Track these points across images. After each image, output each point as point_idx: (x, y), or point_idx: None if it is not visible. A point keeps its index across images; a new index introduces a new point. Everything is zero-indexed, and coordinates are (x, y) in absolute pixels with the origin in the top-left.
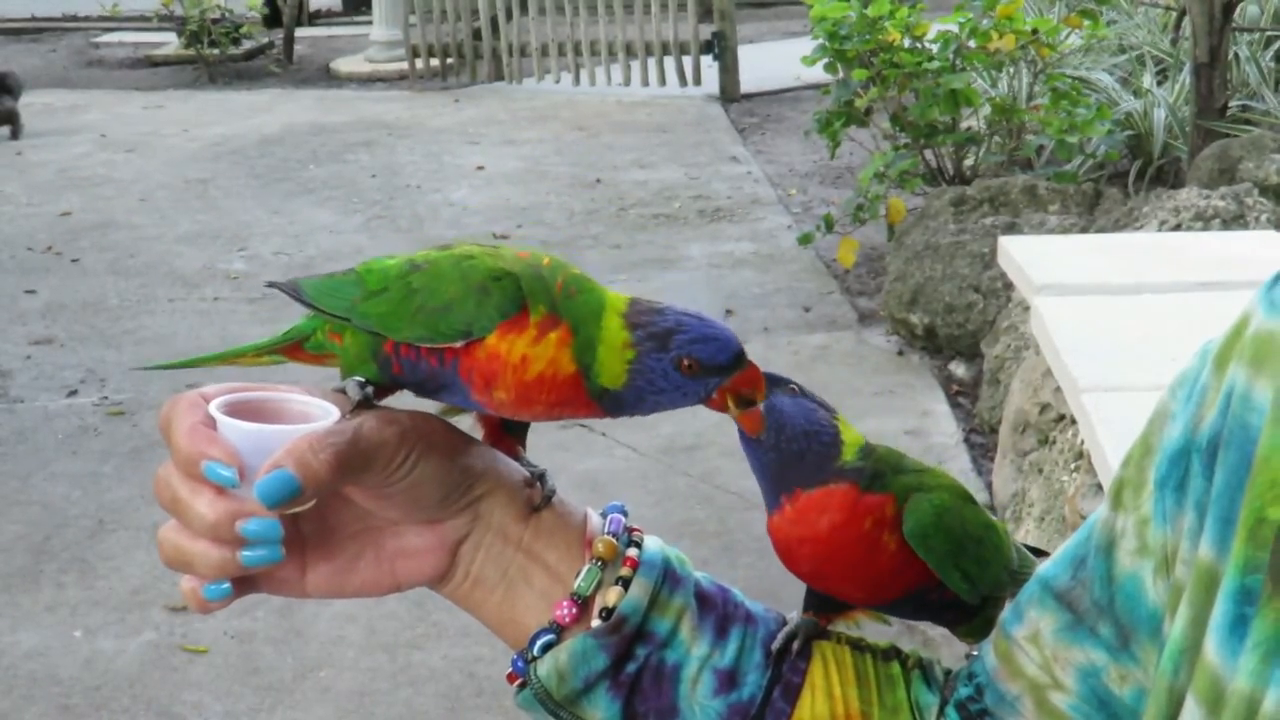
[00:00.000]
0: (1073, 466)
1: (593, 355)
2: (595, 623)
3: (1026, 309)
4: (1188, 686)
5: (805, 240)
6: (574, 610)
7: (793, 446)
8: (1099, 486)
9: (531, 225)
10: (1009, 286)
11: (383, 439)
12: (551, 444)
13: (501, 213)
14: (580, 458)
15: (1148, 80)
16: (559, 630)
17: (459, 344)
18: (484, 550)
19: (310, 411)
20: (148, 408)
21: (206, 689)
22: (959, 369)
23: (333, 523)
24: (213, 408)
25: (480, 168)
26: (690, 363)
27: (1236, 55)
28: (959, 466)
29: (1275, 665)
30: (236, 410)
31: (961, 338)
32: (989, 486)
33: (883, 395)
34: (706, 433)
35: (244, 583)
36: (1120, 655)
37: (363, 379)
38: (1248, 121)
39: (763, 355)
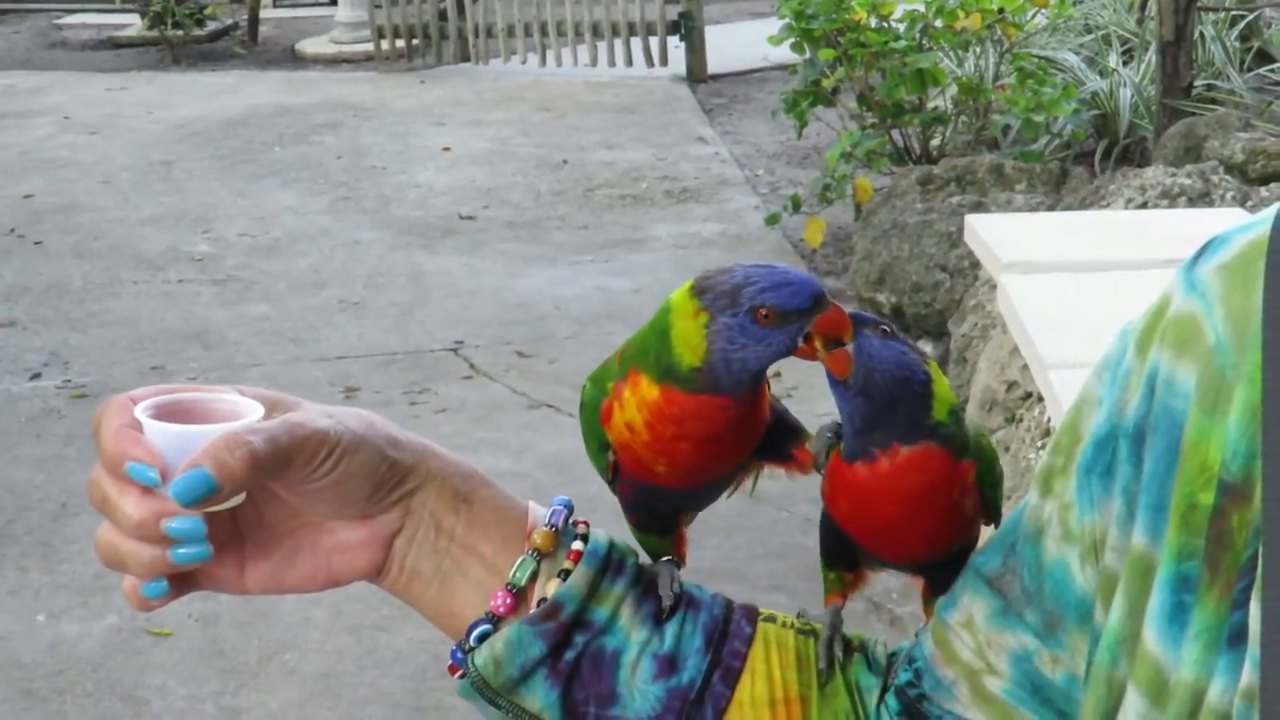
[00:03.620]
0: (1039, 444)
1: (668, 348)
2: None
3: (993, 287)
4: (1128, 677)
5: (772, 220)
6: (509, 600)
7: (883, 392)
8: None
9: (498, 206)
10: (976, 265)
11: (303, 437)
12: (520, 425)
13: (468, 194)
14: (548, 439)
15: (1113, 60)
16: (495, 620)
17: (610, 458)
18: (417, 544)
19: (240, 410)
20: (111, 391)
21: (171, 672)
22: (926, 347)
23: (270, 520)
24: (139, 410)
25: (446, 149)
26: (767, 311)
27: (1202, 34)
28: None
29: (1218, 654)
30: (167, 412)
31: (929, 316)
32: None
33: None
34: None
35: (182, 580)
36: (1048, 641)
37: (670, 559)
38: (1213, 100)
39: None
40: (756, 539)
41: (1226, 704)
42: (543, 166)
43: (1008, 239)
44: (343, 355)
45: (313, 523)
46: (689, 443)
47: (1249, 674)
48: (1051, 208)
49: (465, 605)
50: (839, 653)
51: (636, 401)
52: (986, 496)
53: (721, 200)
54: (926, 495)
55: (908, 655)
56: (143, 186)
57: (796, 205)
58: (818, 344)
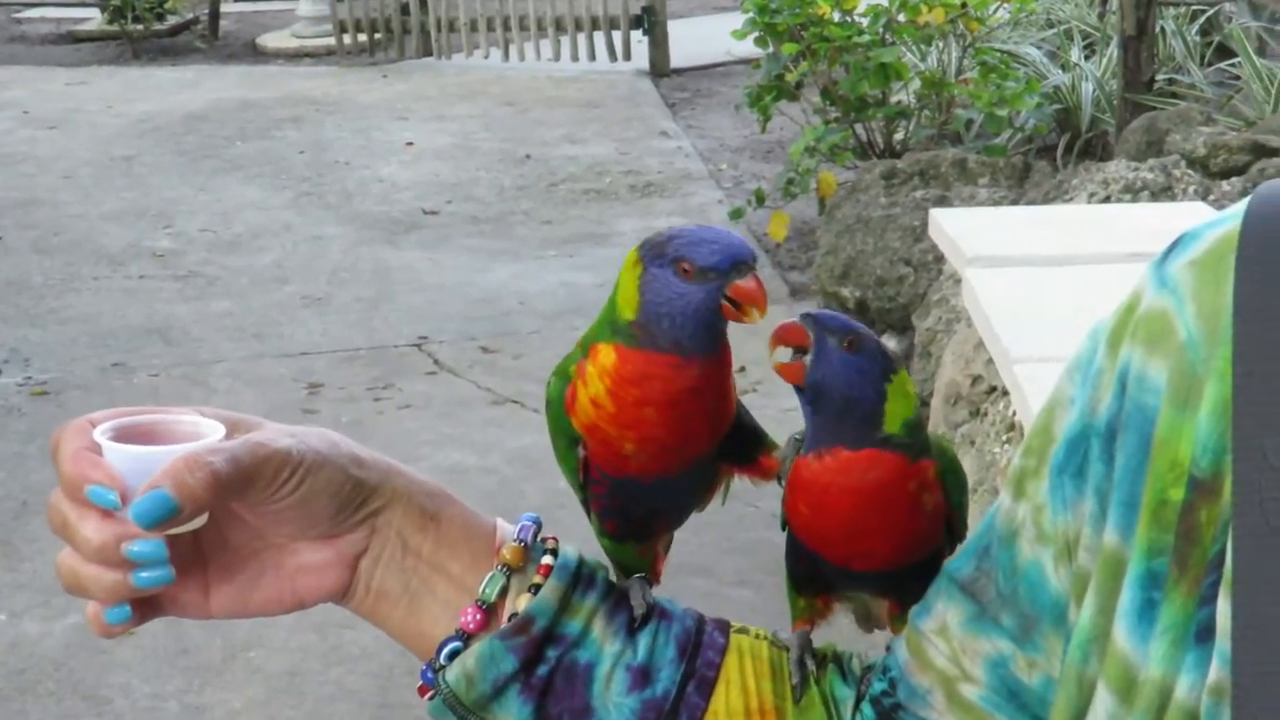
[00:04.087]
0: (1004, 438)
1: (614, 303)
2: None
3: (957, 282)
4: (1099, 675)
5: (736, 215)
6: (479, 617)
7: (831, 408)
8: None
9: (461, 201)
10: (940, 259)
11: (265, 456)
12: (485, 420)
13: (431, 188)
14: (513, 434)
15: (1075, 54)
16: (466, 637)
17: (581, 454)
18: (384, 564)
19: (201, 431)
20: (73, 388)
21: (134, 671)
22: (890, 342)
23: (233, 542)
24: (98, 432)
25: (409, 143)
26: (687, 266)
27: (1163, 29)
28: None
29: (1185, 650)
30: (127, 434)
31: (893, 311)
32: None
33: None
34: None
35: (146, 605)
36: (1024, 645)
37: (642, 575)
38: (1174, 95)
39: None
40: (723, 534)
41: (1194, 701)
42: (506, 161)
43: (972, 233)
44: (306, 351)
45: (277, 544)
46: (652, 408)
47: (1217, 670)
48: (1015, 202)
49: (434, 624)
50: (812, 666)
51: (597, 371)
52: (950, 501)
53: (685, 195)
54: (875, 490)
55: (882, 665)
56: (103, 182)
57: (760, 200)
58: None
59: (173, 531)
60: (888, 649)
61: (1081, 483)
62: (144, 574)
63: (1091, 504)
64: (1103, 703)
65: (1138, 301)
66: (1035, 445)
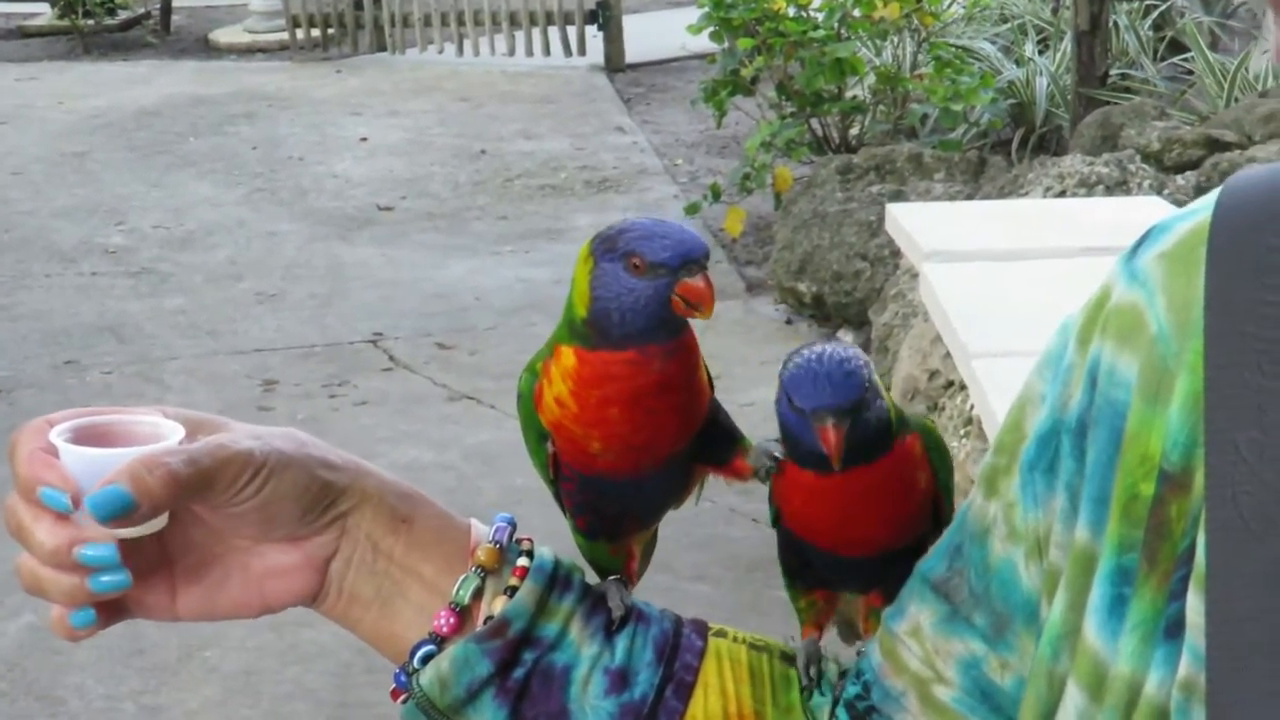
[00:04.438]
0: (962, 433)
1: (570, 302)
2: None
3: (914, 276)
4: (1069, 672)
5: (692, 210)
6: (453, 620)
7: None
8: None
9: (416, 197)
10: (896, 254)
11: (225, 458)
12: (441, 417)
13: (386, 184)
14: (470, 430)
15: (1029, 49)
16: (439, 641)
17: (550, 449)
18: (354, 566)
19: (160, 433)
20: (25, 386)
21: (89, 671)
22: (847, 337)
23: (199, 544)
24: (54, 434)
25: (364, 139)
26: (638, 260)
27: (1116, 24)
28: None
29: (1154, 646)
30: (87, 434)
31: (849, 305)
32: None
33: (771, 364)
34: None
35: (110, 609)
36: (997, 644)
37: (619, 577)
38: (1127, 89)
39: None
40: (682, 530)
41: (1164, 696)
42: (461, 157)
43: (929, 228)
44: (260, 348)
45: (243, 546)
46: (616, 408)
47: (1187, 665)
48: (970, 196)
49: (407, 628)
50: (814, 675)
51: (560, 372)
52: (938, 479)
53: (641, 190)
54: (884, 475)
55: (855, 669)
56: (55, 178)
57: (716, 194)
58: (681, 304)
59: (128, 534)
60: (859, 653)
61: (1053, 479)
62: (102, 578)
63: (1062, 500)
64: (1073, 700)
65: (1107, 296)
66: (1006, 442)
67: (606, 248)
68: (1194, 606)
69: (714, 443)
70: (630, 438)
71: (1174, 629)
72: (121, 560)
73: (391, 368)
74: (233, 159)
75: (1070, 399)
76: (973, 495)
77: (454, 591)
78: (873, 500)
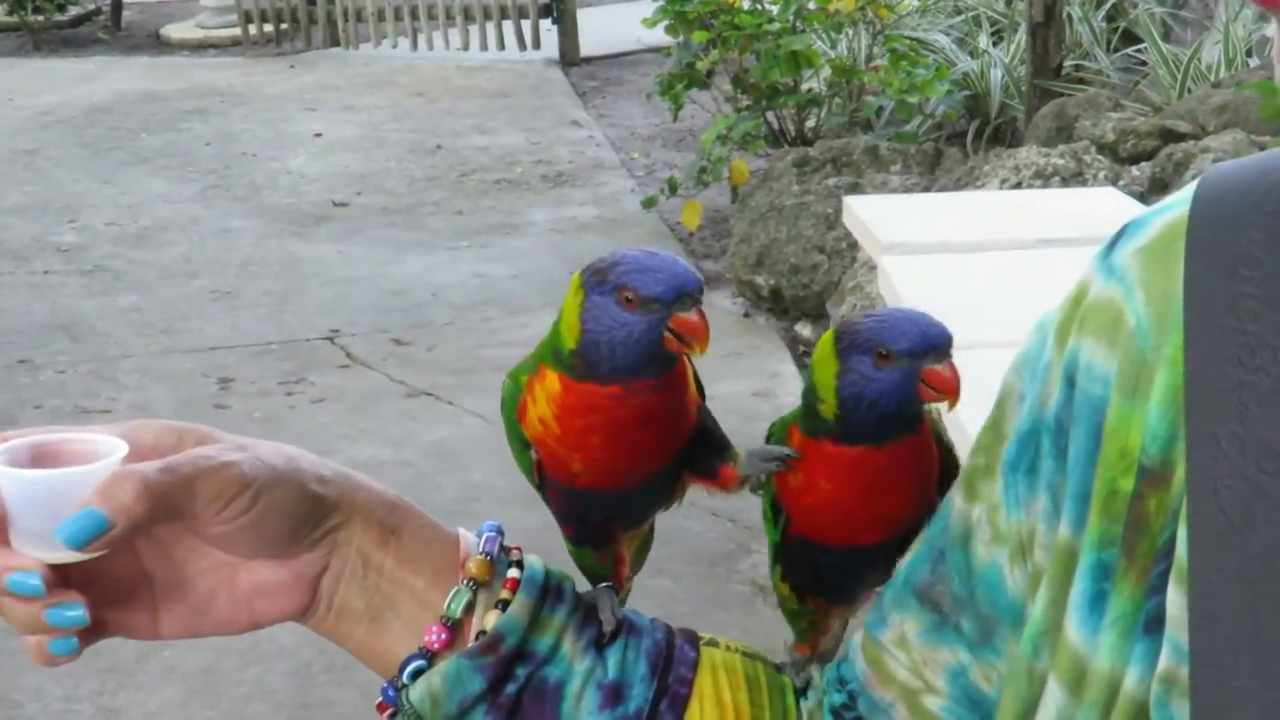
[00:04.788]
0: None
1: (557, 330)
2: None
3: (872, 269)
4: (1050, 669)
5: (649, 204)
6: (444, 635)
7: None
8: None
9: (372, 192)
10: (854, 247)
11: (208, 467)
12: (399, 413)
13: (341, 180)
14: (428, 427)
15: (984, 41)
16: (430, 656)
17: (533, 456)
18: (345, 582)
19: (97, 450)
20: None
21: (45, 674)
22: (805, 330)
23: (180, 562)
24: None
25: (318, 135)
26: (630, 294)
27: (1070, 15)
28: None
29: (1134, 641)
30: (34, 455)
31: (807, 298)
32: None
33: (730, 357)
34: None
35: (88, 631)
36: (982, 650)
37: (609, 585)
38: (1081, 80)
39: None
40: None
41: (1143, 692)
42: (416, 152)
43: (887, 220)
44: (216, 346)
45: (230, 563)
46: (598, 435)
47: (1167, 658)
48: (927, 188)
49: (398, 642)
50: (804, 682)
51: (544, 395)
52: (949, 459)
53: (597, 184)
54: (920, 446)
55: (838, 676)
56: (5, 176)
57: (673, 188)
58: (674, 340)
59: (56, 559)
60: (842, 655)
61: (1034, 479)
62: (66, 613)
63: (1044, 501)
64: (1053, 696)
65: (1084, 292)
66: (986, 443)
67: (597, 280)
68: (1175, 601)
69: (703, 451)
70: (612, 463)
71: (1153, 624)
72: (50, 585)
73: (349, 365)
74: (186, 155)
75: (1049, 398)
76: (951, 498)
77: (445, 605)
78: (906, 474)
